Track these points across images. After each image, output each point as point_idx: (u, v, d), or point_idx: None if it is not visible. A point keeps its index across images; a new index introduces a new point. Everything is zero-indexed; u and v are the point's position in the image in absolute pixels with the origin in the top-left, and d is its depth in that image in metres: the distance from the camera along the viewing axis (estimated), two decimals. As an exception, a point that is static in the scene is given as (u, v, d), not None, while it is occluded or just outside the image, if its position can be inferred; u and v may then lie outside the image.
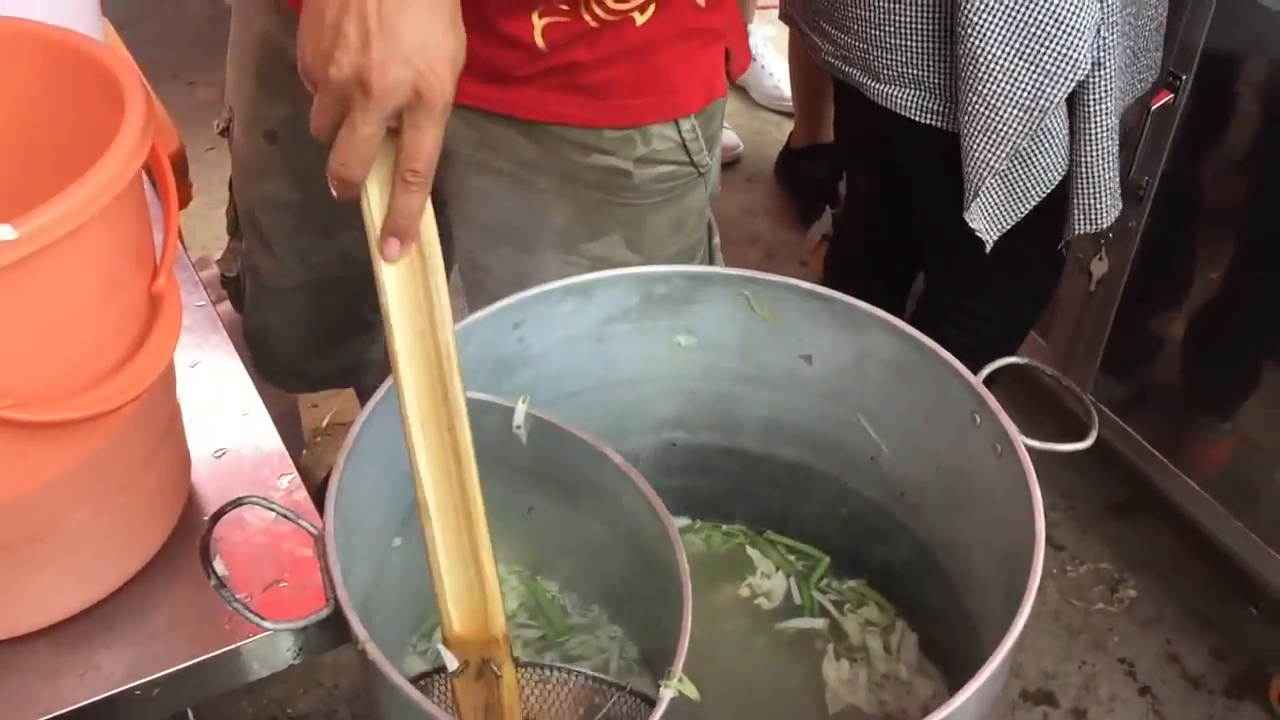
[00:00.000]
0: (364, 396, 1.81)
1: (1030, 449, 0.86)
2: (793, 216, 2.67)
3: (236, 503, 0.78)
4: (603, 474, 0.91)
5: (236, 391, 1.07)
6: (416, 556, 0.97)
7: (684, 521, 1.16)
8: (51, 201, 0.69)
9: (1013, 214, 1.44)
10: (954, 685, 1.03)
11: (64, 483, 0.80)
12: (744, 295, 1.01)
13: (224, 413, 1.05)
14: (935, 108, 1.43)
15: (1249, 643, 1.88)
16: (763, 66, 2.89)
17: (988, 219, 1.43)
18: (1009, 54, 1.32)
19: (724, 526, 1.16)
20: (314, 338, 1.40)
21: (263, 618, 0.76)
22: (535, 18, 1.03)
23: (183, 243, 1.33)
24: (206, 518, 0.95)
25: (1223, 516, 1.79)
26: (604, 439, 0.91)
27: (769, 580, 1.12)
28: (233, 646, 0.88)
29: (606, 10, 1.03)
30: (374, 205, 0.78)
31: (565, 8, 1.02)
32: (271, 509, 0.78)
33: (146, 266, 0.82)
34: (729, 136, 2.77)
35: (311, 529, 0.80)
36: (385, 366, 1.03)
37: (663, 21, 1.06)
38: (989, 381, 0.93)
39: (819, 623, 1.08)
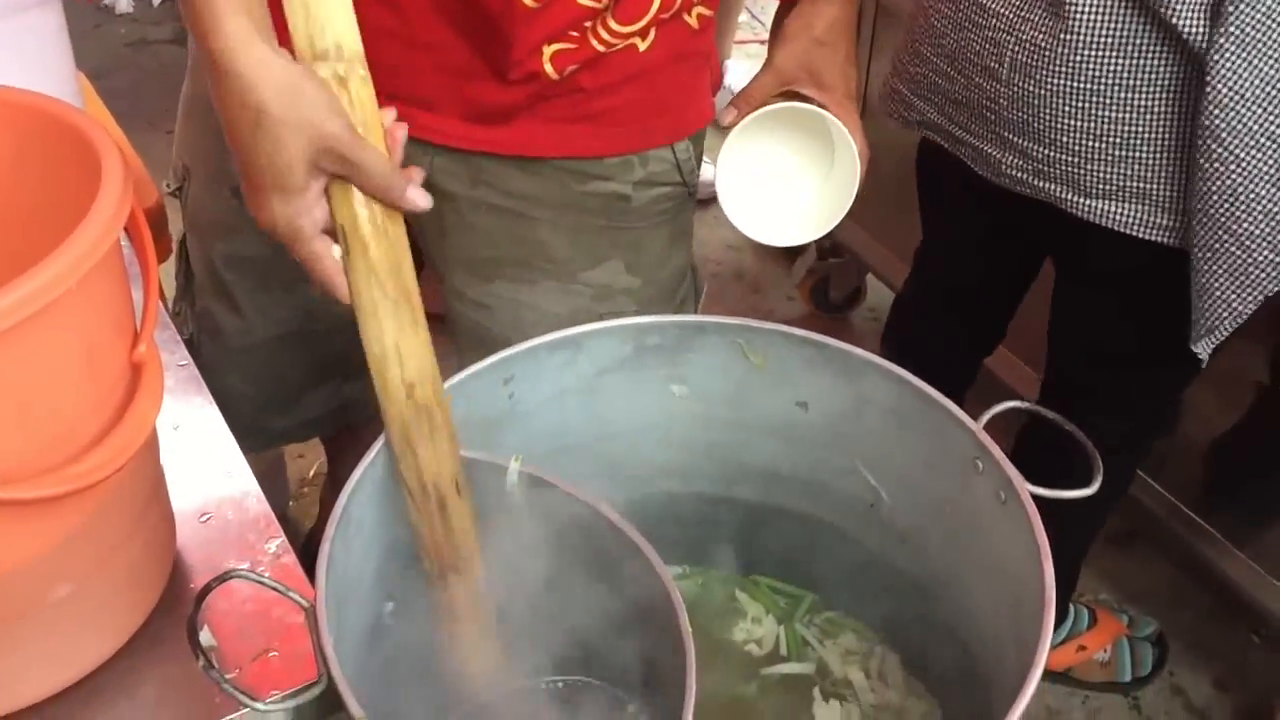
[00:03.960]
0: (330, 446, 1.80)
1: (1035, 496, 0.85)
2: (777, 251, 2.66)
3: (224, 577, 0.76)
4: (602, 533, 0.89)
5: (220, 452, 1.05)
6: (410, 619, 0.95)
7: (678, 569, 1.14)
8: (27, 274, 0.67)
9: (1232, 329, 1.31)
10: (948, 704, 1.03)
11: (45, 560, 0.77)
12: (738, 343, 0.99)
13: (208, 474, 1.03)
14: (1163, 223, 1.30)
15: (1252, 673, 1.87)
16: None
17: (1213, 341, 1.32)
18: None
19: (713, 571, 1.14)
20: (275, 393, 1.37)
21: (254, 697, 0.74)
22: (545, 45, 1.03)
23: (163, 298, 1.31)
24: (192, 584, 0.93)
25: (1223, 545, 1.77)
26: (597, 491, 0.89)
27: (760, 626, 1.11)
28: (223, 721, 0.85)
29: (612, 34, 1.03)
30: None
31: (575, 34, 1.02)
32: (261, 582, 0.76)
33: (127, 333, 0.80)
34: (709, 171, 2.76)
35: (302, 601, 0.77)
36: (350, 414, 1.01)
37: (662, 46, 1.07)
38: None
39: (806, 668, 1.07)
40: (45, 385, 0.72)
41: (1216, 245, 1.23)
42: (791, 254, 2.58)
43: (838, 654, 1.07)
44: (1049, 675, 1.83)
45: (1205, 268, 1.25)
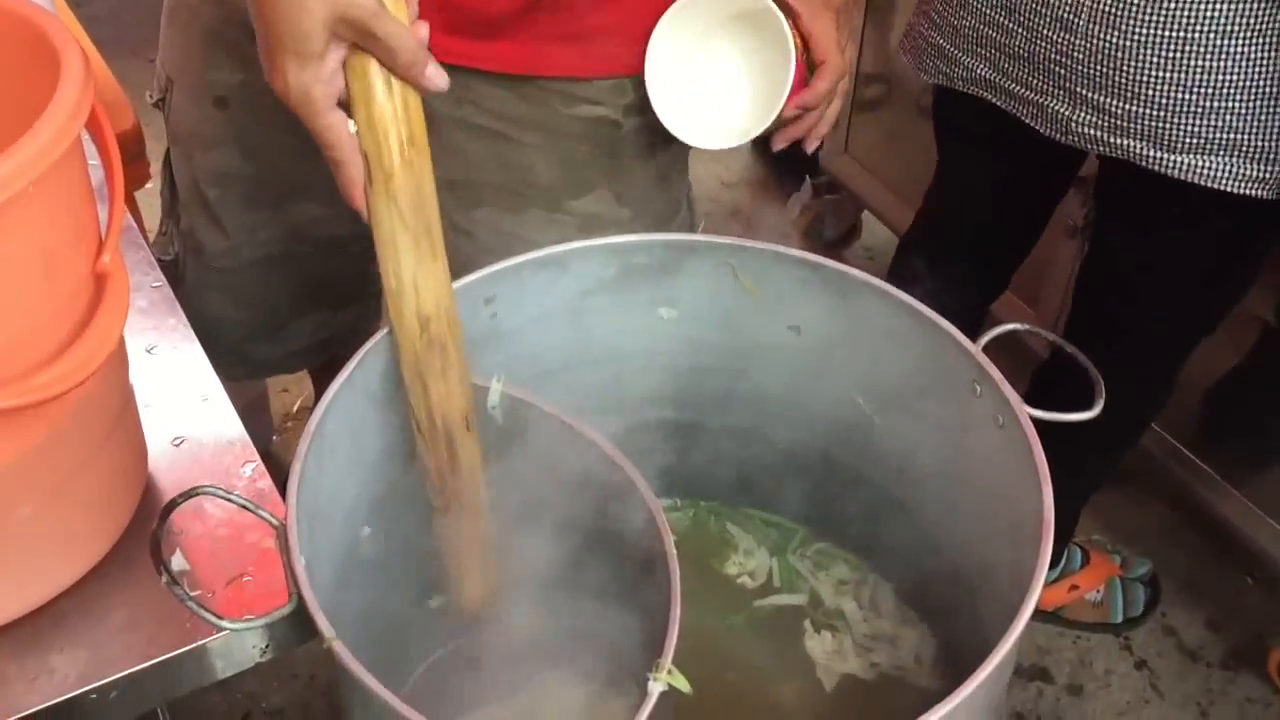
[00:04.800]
0: (318, 380, 1.77)
1: (1034, 421, 0.82)
2: (773, 187, 2.62)
3: (191, 493, 0.73)
4: (585, 457, 0.86)
5: (196, 377, 1.02)
6: (387, 546, 0.93)
7: (667, 502, 1.12)
8: (-22, 172, 0.63)
9: None
10: (941, 631, 1.01)
11: (7, 476, 0.74)
12: (729, 264, 0.96)
13: (183, 399, 0.99)
14: (1255, 174, 1.26)
15: (1245, 614, 1.86)
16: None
17: None
18: None
19: (704, 503, 1.12)
20: (261, 320, 1.33)
21: (220, 616, 0.71)
22: None
23: (140, 224, 1.27)
24: (163, 505, 0.90)
25: (1219, 485, 1.75)
26: (582, 419, 0.86)
27: (752, 558, 1.09)
28: (195, 645, 0.82)
29: None
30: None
31: None
32: (229, 499, 0.73)
33: (90, 243, 0.76)
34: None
35: (273, 520, 0.74)
36: (339, 345, 0.98)
37: None
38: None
39: (799, 599, 1.06)
40: (0, 291, 0.68)
41: None
42: (786, 191, 2.55)
43: (830, 585, 1.05)
44: (1040, 615, 1.82)
45: None
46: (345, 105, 0.80)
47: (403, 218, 0.81)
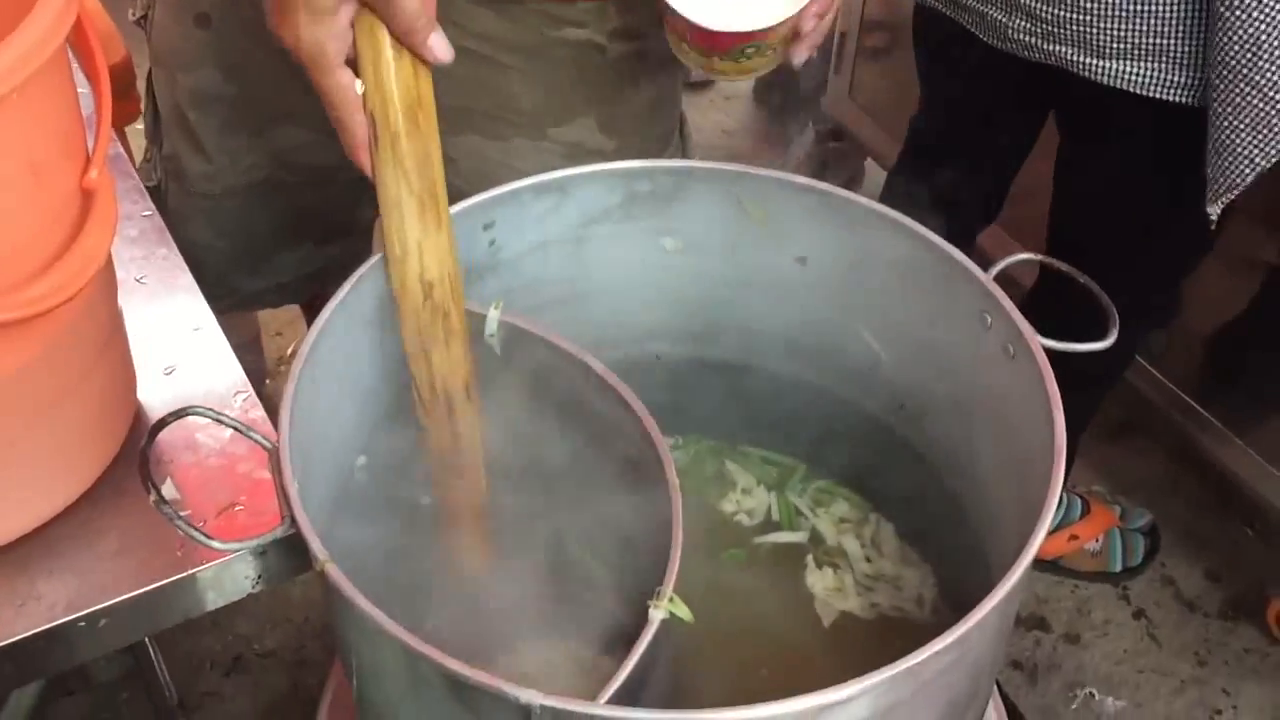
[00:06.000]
0: (310, 314, 1.74)
1: (1046, 350, 0.80)
2: (774, 135, 2.59)
3: (180, 413, 0.71)
4: (585, 386, 0.84)
5: (187, 307, 1.00)
6: (383, 475, 0.91)
7: (668, 440, 1.10)
8: (-42, 75, 0.61)
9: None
10: (943, 572, 1.00)
11: (-8, 395, 0.73)
12: (733, 193, 0.93)
13: (174, 329, 0.98)
14: (1181, 80, 1.26)
15: (1244, 565, 1.85)
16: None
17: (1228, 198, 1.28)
18: None
19: (704, 440, 1.10)
20: (244, 249, 1.30)
21: (211, 537, 0.69)
22: None
23: (129, 152, 1.24)
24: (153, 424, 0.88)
25: (1220, 434, 1.74)
26: (583, 350, 0.85)
27: (750, 497, 1.07)
28: (186, 574, 0.81)
29: None
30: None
31: None
32: (220, 420, 0.72)
33: (77, 158, 0.74)
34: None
35: (265, 443, 0.73)
36: (327, 280, 0.94)
37: None
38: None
39: (799, 536, 1.04)
40: (-17, 202, 0.66)
41: (1237, 99, 1.18)
42: (789, 138, 2.52)
43: (831, 523, 1.04)
44: (1039, 564, 1.81)
45: (1224, 124, 1.20)
46: (353, 64, 0.78)
47: (408, 181, 0.79)
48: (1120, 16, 1.24)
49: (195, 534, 0.68)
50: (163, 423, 0.71)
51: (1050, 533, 1.78)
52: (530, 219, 0.92)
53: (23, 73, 0.64)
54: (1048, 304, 0.97)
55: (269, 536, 0.70)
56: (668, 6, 0.92)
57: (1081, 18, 1.27)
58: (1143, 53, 1.26)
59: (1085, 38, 1.28)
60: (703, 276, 0.99)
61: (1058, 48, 1.31)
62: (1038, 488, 0.76)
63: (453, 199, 0.90)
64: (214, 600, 0.84)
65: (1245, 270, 1.68)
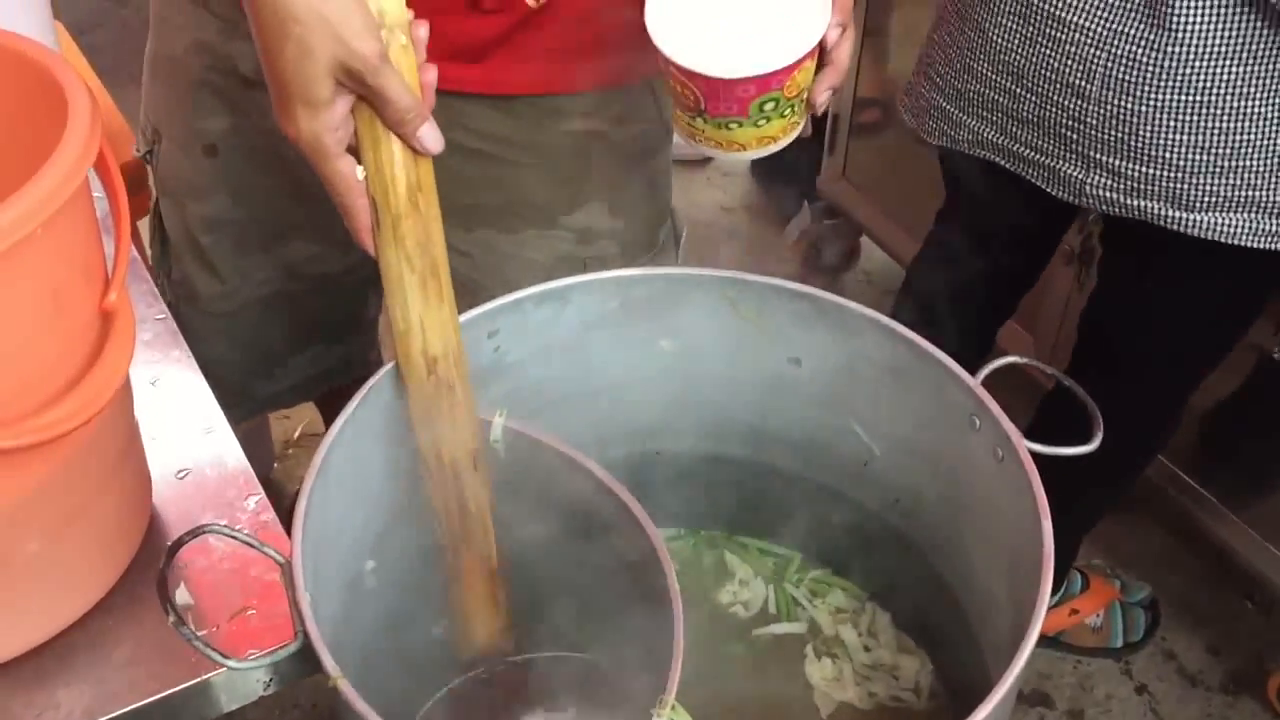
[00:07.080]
0: (323, 405, 1.77)
1: (1033, 454, 0.82)
2: (771, 212, 2.63)
3: (196, 532, 0.73)
4: (586, 489, 0.87)
5: (199, 408, 1.02)
6: (391, 580, 0.93)
7: (669, 531, 1.12)
8: (-11, 215, 0.64)
9: None
10: (940, 658, 1.02)
11: (14, 513, 0.75)
12: (728, 297, 0.96)
13: (186, 431, 1.00)
14: (1274, 228, 1.26)
15: (1244, 638, 1.86)
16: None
17: None
18: None
19: (703, 532, 1.13)
20: (259, 359, 1.34)
21: (226, 655, 0.72)
22: None
23: (142, 253, 1.27)
24: (169, 543, 0.90)
25: (1217, 510, 1.76)
26: (584, 450, 0.87)
27: (747, 588, 1.09)
28: (199, 680, 0.82)
29: None
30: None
31: None
32: (234, 537, 0.74)
33: (97, 281, 0.77)
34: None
35: (278, 557, 0.75)
36: (337, 378, 0.95)
37: None
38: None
39: (798, 627, 1.06)
40: (10, 331, 0.69)
41: None
42: (785, 215, 2.55)
43: (828, 613, 1.05)
44: (1040, 640, 1.81)
45: None
46: (355, 150, 0.81)
47: (410, 260, 0.81)
48: (1214, 172, 1.23)
49: (212, 653, 0.70)
50: (180, 542, 0.73)
51: (1051, 607, 1.80)
52: (533, 325, 0.95)
53: (48, 210, 0.67)
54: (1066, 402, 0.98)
55: (283, 653, 0.72)
56: (676, 66, 0.88)
57: (1170, 174, 1.25)
58: (1235, 205, 1.25)
59: (1175, 193, 1.26)
60: (700, 376, 1.02)
61: (1143, 203, 1.28)
62: (1029, 584, 0.78)
63: (468, 291, 0.93)
64: (226, 704, 0.86)
65: (1242, 350, 1.71)
